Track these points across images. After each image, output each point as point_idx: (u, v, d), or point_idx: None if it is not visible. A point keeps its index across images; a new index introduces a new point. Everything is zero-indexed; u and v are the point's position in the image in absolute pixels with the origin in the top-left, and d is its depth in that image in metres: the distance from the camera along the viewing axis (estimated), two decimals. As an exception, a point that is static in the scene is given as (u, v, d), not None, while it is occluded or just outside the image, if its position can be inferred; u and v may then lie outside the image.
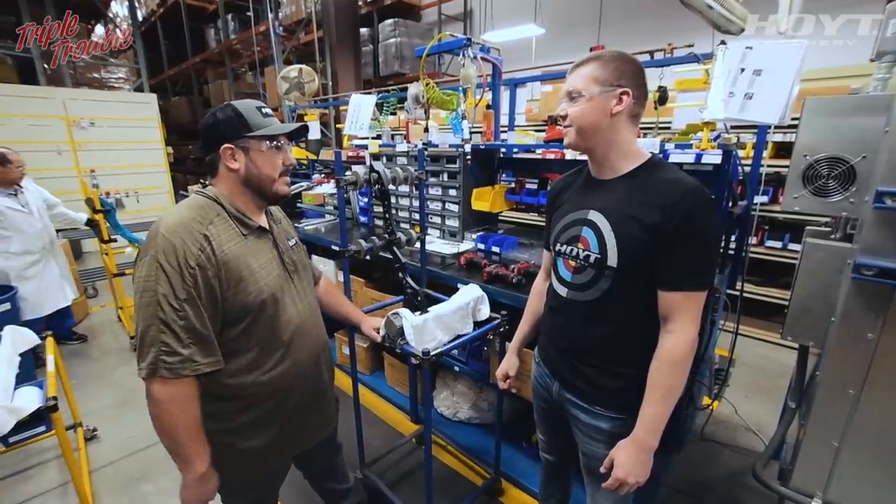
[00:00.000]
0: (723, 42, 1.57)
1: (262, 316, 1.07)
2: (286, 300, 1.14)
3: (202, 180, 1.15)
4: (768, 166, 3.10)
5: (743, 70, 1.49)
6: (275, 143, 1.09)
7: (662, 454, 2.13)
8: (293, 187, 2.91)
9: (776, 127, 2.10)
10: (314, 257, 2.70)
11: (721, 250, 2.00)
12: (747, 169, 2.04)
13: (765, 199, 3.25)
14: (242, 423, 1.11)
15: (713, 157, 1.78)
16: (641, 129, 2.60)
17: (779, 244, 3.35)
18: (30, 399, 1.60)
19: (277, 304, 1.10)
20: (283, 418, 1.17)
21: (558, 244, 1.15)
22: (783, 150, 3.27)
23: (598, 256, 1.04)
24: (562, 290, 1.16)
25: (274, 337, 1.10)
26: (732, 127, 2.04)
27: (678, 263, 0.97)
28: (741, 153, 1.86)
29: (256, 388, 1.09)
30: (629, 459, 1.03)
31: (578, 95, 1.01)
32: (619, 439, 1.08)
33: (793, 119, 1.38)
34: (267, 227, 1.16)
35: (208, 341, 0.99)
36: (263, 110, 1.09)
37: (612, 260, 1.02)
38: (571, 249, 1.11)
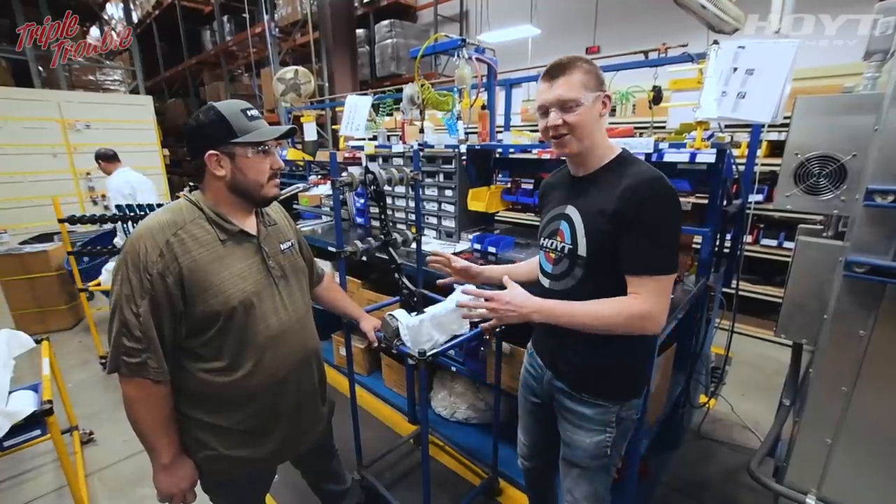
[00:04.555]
0: (715, 42, 1.57)
1: (232, 323, 1.05)
2: (265, 307, 1.11)
3: (190, 183, 1.14)
4: (763, 165, 3.12)
5: (735, 69, 1.50)
6: (262, 148, 1.05)
7: (660, 452, 2.14)
8: (289, 189, 2.90)
9: (771, 126, 2.12)
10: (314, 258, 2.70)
11: (717, 248, 2.01)
12: (742, 167, 2.05)
13: (759, 197, 3.27)
14: (219, 427, 1.11)
15: (707, 156, 1.80)
16: (637, 128, 2.62)
17: (774, 242, 3.36)
18: (25, 403, 1.59)
19: (251, 312, 1.08)
20: (261, 424, 1.16)
21: (542, 238, 1.23)
22: (778, 148, 3.28)
23: (571, 247, 1.11)
24: (545, 282, 1.22)
25: (246, 344, 1.08)
26: (727, 126, 2.05)
27: (636, 250, 1.02)
28: (735, 152, 1.88)
29: (231, 392, 1.09)
30: (518, 300, 1.07)
31: (575, 104, 1.02)
32: (601, 426, 1.17)
33: (785, 118, 1.39)
34: (252, 231, 1.13)
35: (159, 349, 1.00)
36: (249, 112, 1.05)
37: (582, 250, 1.08)
38: (552, 242, 1.18)
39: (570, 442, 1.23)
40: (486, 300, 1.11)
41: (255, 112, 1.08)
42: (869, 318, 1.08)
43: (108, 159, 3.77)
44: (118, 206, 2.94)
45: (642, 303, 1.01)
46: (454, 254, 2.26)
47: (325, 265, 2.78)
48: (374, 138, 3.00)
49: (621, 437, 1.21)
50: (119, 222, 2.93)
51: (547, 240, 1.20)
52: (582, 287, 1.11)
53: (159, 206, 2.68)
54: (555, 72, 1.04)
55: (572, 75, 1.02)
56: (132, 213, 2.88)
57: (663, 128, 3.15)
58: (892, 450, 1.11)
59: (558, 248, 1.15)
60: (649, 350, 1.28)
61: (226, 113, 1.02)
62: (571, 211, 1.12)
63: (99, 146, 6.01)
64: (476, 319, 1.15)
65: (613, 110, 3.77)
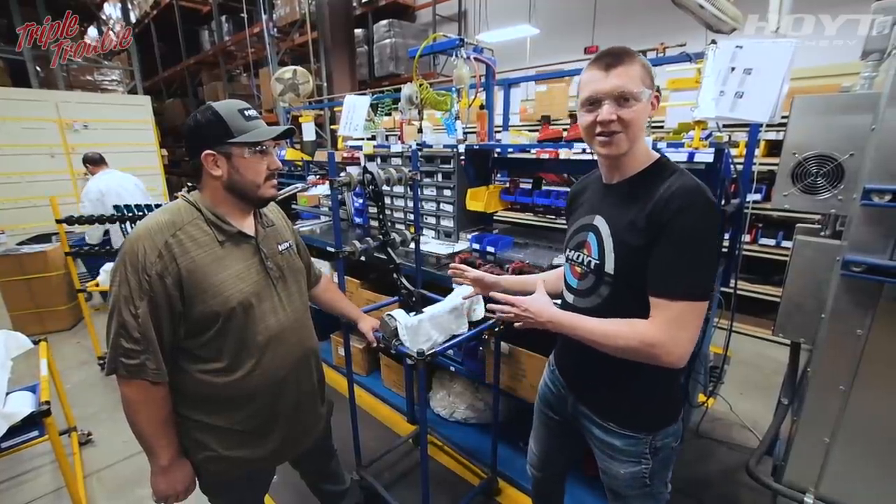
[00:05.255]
0: (713, 41, 1.58)
1: (231, 324, 1.05)
2: (263, 308, 1.11)
3: (189, 183, 1.14)
4: (761, 164, 3.12)
5: (733, 69, 1.50)
6: (259, 148, 1.05)
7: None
8: (287, 189, 2.90)
9: (769, 125, 2.12)
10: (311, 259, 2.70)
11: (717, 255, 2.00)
12: (740, 167, 2.05)
13: (758, 196, 3.27)
14: (218, 427, 1.11)
15: (705, 156, 1.80)
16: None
17: (772, 242, 3.37)
18: (22, 404, 1.59)
19: (250, 312, 1.08)
20: (261, 424, 1.16)
21: (568, 249, 1.14)
22: (776, 148, 3.29)
23: (598, 262, 1.01)
24: (569, 297, 1.13)
25: (245, 345, 1.08)
26: (725, 125, 2.05)
27: (660, 266, 0.90)
28: (734, 151, 1.88)
29: (231, 392, 1.09)
30: (530, 307, 1.04)
31: (633, 98, 0.91)
32: (635, 458, 1.06)
33: (783, 117, 1.39)
34: (250, 233, 1.13)
35: (157, 351, 1.00)
36: (246, 112, 1.04)
37: (610, 266, 0.98)
38: (578, 255, 1.08)
39: (606, 470, 1.14)
40: (510, 305, 1.08)
41: (252, 112, 1.07)
42: (866, 317, 1.08)
43: (94, 163, 3.75)
44: (115, 207, 2.93)
45: (656, 330, 0.89)
46: (452, 254, 2.29)
47: (323, 265, 2.78)
48: (373, 138, 3.00)
49: (662, 467, 1.09)
50: (116, 223, 2.92)
51: (573, 252, 1.10)
52: (607, 307, 1.01)
53: (157, 206, 2.68)
54: (611, 59, 0.92)
55: (631, 66, 0.91)
56: (130, 214, 2.88)
57: (661, 127, 3.16)
58: (889, 448, 1.11)
59: (584, 262, 1.05)
60: (681, 371, 1.07)
61: (223, 113, 1.02)
62: (600, 222, 1.02)
63: (97, 146, 6.04)
64: (507, 320, 1.10)
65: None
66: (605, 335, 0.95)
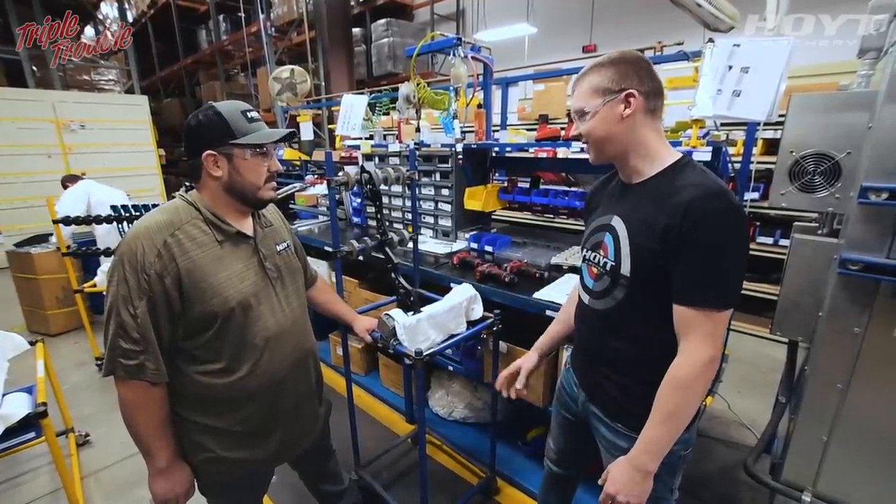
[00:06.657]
0: (710, 40, 1.58)
1: (230, 324, 1.05)
2: (262, 308, 1.11)
3: (186, 183, 1.13)
4: (759, 163, 3.13)
5: (731, 67, 1.50)
6: (260, 150, 1.05)
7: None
8: (285, 189, 2.90)
9: (766, 124, 2.12)
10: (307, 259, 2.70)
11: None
12: (738, 165, 2.05)
13: (756, 195, 3.27)
14: (217, 429, 1.10)
15: (703, 155, 1.79)
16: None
17: (770, 240, 3.38)
18: (18, 405, 1.58)
19: (249, 313, 1.08)
20: (260, 425, 1.15)
21: (585, 250, 1.13)
22: (773, 146, 3.29)
23: (613, 264, 1.00)
24: (584, 298, 1.13)
25: (245, 345, 1.08)
26: (722, 124, 2.05)
27: (687, 275, 0.89)
28: (731, 150, 1.88)
29: (230, 393, 1.08)
30: (622, 478, 0.97)
31: (583, 113, 0.98)
32: None
33: (780, 116, 1.39)
34: (249, 233, 1.13)
35: (157, 351, 0.99)
36: (249, 114, 1.05)
37: (626, 268, 0.97)
38: (594, 256, 1.08)
39: None
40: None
41: (255, 114, 1.07)
42: (863, 315, 1.08)
43: (72, 180, 3.79)
44: (112, 207, 2.92)
45: (694, 356, 0.89)
46: (450, 253, 2.28)
47: (321, 265, 2.77)
48: (371, 137, 2.99)
49: (668, 473, 1.06)
50: (114, 223, 2.91)
51: (590, 252, 1.10)
52: (621, 310, 1.01)
53: (155, 205, 2.67)
54: (577, 78, 1.01)
55: (583, 82, 0.99)
56: (127, 214, 2.87)
57: (660, 126, 3.15)
58: (886, 446, 1.11)
59: (601, 264, 1.04)
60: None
61: (225, 113, 1.02)
62: (617, 223, 1.01)
63: (94, 146, 6.03)
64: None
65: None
66: (674, 410, 0.92)
